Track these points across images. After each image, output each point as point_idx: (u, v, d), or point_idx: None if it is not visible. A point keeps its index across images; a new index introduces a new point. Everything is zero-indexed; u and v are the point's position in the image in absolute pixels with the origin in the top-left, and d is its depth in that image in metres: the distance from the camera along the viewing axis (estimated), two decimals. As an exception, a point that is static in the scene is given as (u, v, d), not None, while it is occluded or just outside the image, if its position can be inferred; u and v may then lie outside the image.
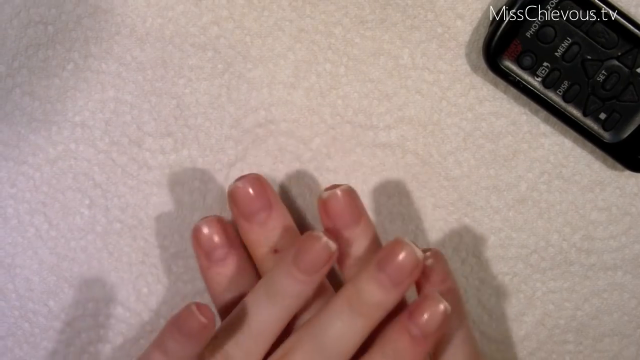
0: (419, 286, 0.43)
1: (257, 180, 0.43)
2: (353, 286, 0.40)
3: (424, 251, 0.42)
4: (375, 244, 0.43)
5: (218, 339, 0.41)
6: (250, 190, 0.42)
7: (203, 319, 0.39)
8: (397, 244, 0.40)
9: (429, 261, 0.42)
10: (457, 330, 0.42)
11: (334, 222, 0.42)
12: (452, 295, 0.43)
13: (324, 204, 0.42)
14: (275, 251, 0.43)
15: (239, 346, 0.41)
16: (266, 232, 0.43)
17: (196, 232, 0.43)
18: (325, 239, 0.40)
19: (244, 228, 0.43)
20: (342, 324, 0.40)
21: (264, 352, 0.41)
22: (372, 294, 0.40)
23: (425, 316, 0.39)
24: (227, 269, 0.43)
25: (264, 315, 0.41)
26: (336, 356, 0.40)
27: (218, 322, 0.43)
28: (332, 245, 0.40)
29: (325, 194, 0.42)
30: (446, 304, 0.39)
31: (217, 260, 0.43)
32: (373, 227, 0.43)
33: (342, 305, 0.40)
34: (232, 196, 0.43)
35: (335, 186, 0.43)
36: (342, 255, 0.43)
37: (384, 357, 0.40)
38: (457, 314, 0.42)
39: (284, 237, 0.43)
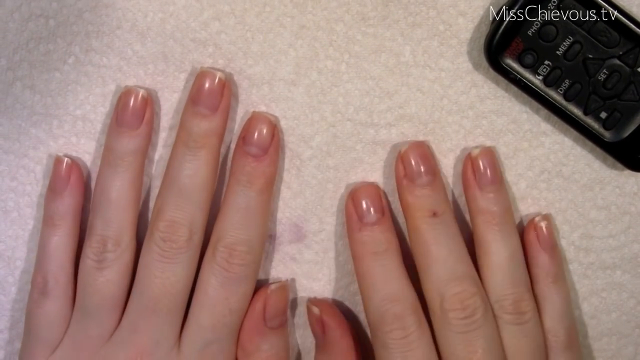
0: (528, 245, 0.46)
1: (424, 147, 0.45)
2: (182, 129, 0.44)
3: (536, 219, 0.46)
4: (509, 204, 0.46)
5: (90, 223, 0.44)
6: (419, 156, 0.44)
7: (68, 160, 0.45)
8: (199, 76, 0.44)
9: (543, 223, 0.46)
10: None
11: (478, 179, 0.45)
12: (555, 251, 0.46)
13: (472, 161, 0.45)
14: (434, 214, 0.44)
15: (102, 219, 0.44)
16: (427, 195, 0.44)
17: (354, 194, 0.45)
18: (131, 88, 0.44)
19: (406, 189, 0.44)
20: (190, 163, 0.43)
21: (127, 221, 0.44)
22: (198, 126, 0.43)
23: (256, 134, 0.44)
24: (374, 232, 0.45)
25: (113, 183, 0.44)
26: (199, 191, 0.44)
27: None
28: (143, 92, 0.44)
29: (476, 151, 0.45)
30: (270, 116, 0.45)
31: (368, 224, 0.45)
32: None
33: (182, 149, 0.44)
34: (402, 158, 0.45)
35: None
36: (479, 210, 0.45)
37: (238, 183, 0.44)
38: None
39: (444, 203, 0.44)
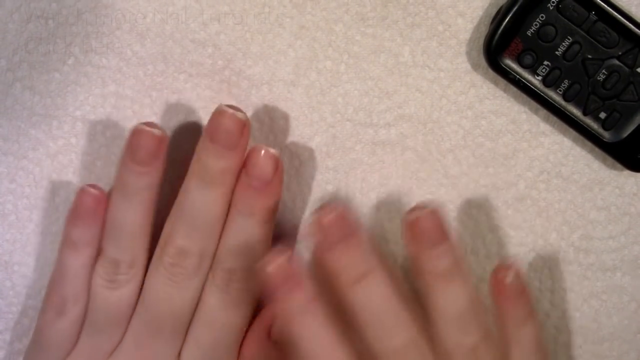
0: (493, 294, 0.44)
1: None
2: (197, 163, 0.43)
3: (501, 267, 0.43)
4: (460, 263, 0.43)
5: (102, 245, 0.44)
6: (334, 220, 0.42)
7: (95, 192, 0.44)
8: (218, 113, 0.43)
9: (508, 275, 0.43)
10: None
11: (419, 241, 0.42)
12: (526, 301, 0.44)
13: (410, 225, 0.42)
14: (357, 280, 0.41)
15: (117, 246, 0.44)
16: (346, 260, 0.42)
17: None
18: (145, 128, 0.43)
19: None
20: (202, 197, 0.43)
21: (141, 247, 0.44)
22: (215, 163, 0.43)
23: (257, 167, 0.43)
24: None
25: (126, 214, 0.43)
26: (212, 224, 0.43)
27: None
28: (157, 132, 0.43)
29: (413, 215, 0.42)
30: (273, 150, 0.43)
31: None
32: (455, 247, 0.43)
33: (195, 182, 0.43)
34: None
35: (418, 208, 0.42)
36: (422, 271, 0.42)
37: (239, 214, 0.43)
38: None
39: (364, 265, 0.42)
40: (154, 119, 0.46)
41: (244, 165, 0.44)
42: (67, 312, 0.44)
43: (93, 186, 0.44)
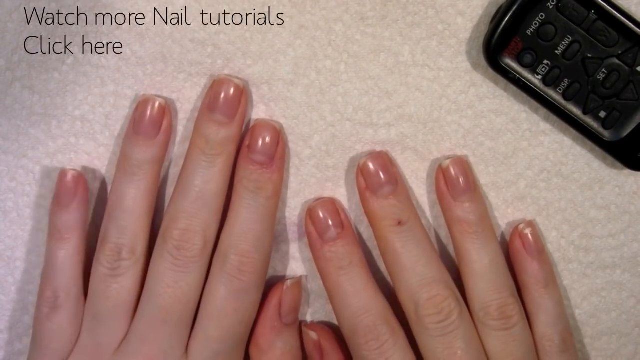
0: (515, 253, 0.46)
1: (384, 156, 0.45)
2: (197, 136, 0.44)
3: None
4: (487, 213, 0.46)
5: (103, 231, 0.44)
6: (379, 166, 0.44)
7: (73, 172, 0.45)
8: (218, 83, 0.44)
9: (527, 230, 0.46)
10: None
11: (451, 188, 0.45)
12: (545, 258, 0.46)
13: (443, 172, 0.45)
14: (399, 223, 0.44)
15: (117, 227, 0.44)
16: (391, 204, 0.44)
17: (310, 212, 0.45)
18: (152, 99, 0.44)
19: (369, 201, 0.44)
20: (206, 170, 0.43)
21: (142, 229, 0.44)
22: (216, 134, 0.43)
23: (260, 142, 0.44)
24: (336, 248, 0.45)
25: (128, 191, 0.44)
26: (215, 198, 0.44)
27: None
28: (161, 101, 0.44)
29: (447, 162, 0.45)
30: (275, 123, 0.45)
31: (329, 240, 0.44)
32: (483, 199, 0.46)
33: (198, 155, 0.44)
34: (362, 170, 0.45)
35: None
36: (454, 220, 0.45)
37: (246, 190, 0.44)
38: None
39: (408, 210, 0.44)
40: (153, 118, 0.46)
41: (245, 141, 0.44)
42: (61, 306, 0.44)
43: (72, 169, 0.45)
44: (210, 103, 0.44)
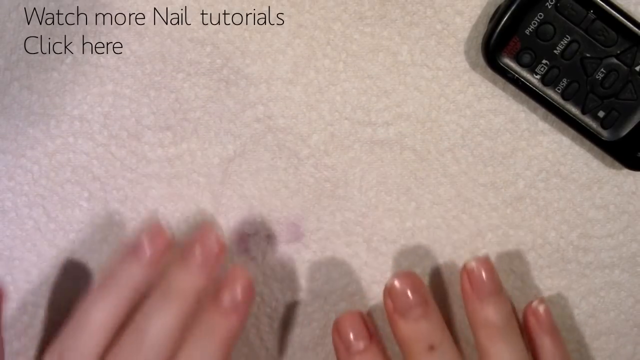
0: (529, 330, 0.45)
1: (412, 276, 0.43)
2: (164, 280, 0.42)
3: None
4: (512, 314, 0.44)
5: (57, 340, 0.42)
6: (407, 287, 0.43)
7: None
8: (202, 233, 0.42)
9: (540, 307, 0.45)
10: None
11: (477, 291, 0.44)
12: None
13: (468, 274, 0.44)
14: (431, 348, 0.42)
15: (74, 343, 0.41)
16: (422, 328, 0.42)
17: (337, 325, 0.44)
18: (162, 229, 0.42)
19: (398, 324, 0.43)
20: (159, 315, 0.41)
21: (98, 347, 0.41)
22: (181, 280, 0.41)
23: (229, 294, 0.41)
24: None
25: (97, 311, 0.41)
26: (158, 347, 0.41)
27: None
28: (166, 232, 0.42)
29: (472, 263, 0.44)
30: (246, 275, 0.42)
31: (356, 353, 0.43)
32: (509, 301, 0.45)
33: (157, 298, 0.41)
34: (390, 292, 0.43)
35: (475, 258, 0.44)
36: (480, 324, 0.44)
37: (200, 331, 0.41)
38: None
39: (440, 332, 0.43)
40: (152, 118, 0.46)
41: (216, 286, 0.42)
42: None
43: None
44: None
